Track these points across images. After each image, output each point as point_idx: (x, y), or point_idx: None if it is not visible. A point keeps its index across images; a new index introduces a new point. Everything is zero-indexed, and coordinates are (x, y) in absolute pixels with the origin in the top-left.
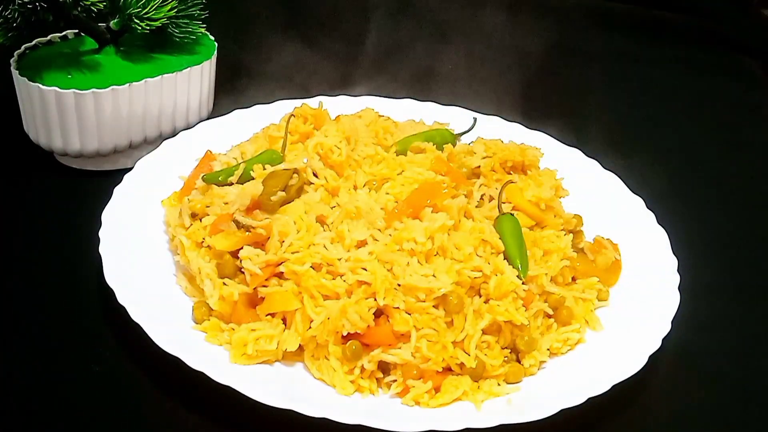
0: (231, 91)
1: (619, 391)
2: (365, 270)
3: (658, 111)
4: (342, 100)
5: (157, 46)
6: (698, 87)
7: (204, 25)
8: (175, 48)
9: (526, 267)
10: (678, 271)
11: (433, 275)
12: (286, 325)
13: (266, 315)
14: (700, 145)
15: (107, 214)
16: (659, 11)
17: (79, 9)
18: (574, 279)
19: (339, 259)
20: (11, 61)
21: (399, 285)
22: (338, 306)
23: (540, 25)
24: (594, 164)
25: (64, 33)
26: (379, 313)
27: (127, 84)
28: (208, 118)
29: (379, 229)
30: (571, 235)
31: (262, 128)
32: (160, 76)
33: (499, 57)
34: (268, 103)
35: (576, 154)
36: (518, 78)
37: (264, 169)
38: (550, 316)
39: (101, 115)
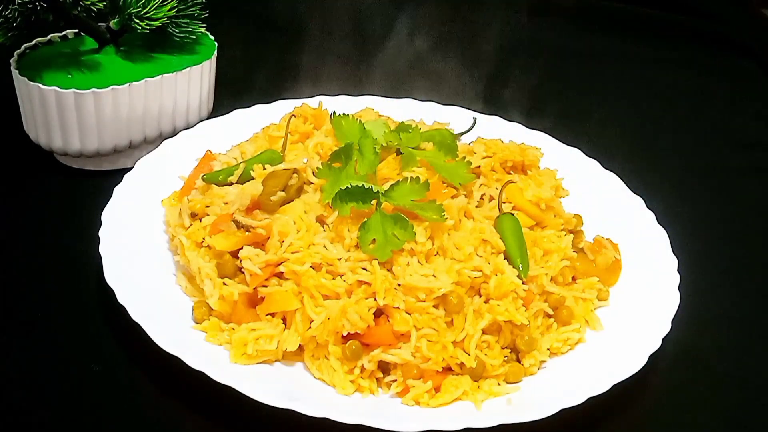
0: (231, 91)
1: (619, 391)
2: (365, 270)
3: (658, 111)
4: (342, 100)
5: (157, 46)
6: (698, 87)
7: (204, 25)
8: (175, 48)
9: (526, 267)
10: (678, 270)
11: (433, 275)
12: (286, 325)
13: (266, 315)
14: (700, 145)
15: (107, 214)
16: (659, 11)
17: (79, 9)
18: (574, 279)
19: (339, 259)
20: (11, 61)
21: (399, 285)
22: (338, 306)
23: (539, 25)
24: (594, 164)
25: (64, 33)
26: (379, 313)
27: (127, 84)
28: (208, 118)
29: None
30: (571, 235)
31: (262, 128)
32: (160, 76)
33: (499, 57)
34: (268, 103)
35: (576, 154)
36: (518, 78)
37: (264, 169)
38: (550, 316)
39: (101, 115)
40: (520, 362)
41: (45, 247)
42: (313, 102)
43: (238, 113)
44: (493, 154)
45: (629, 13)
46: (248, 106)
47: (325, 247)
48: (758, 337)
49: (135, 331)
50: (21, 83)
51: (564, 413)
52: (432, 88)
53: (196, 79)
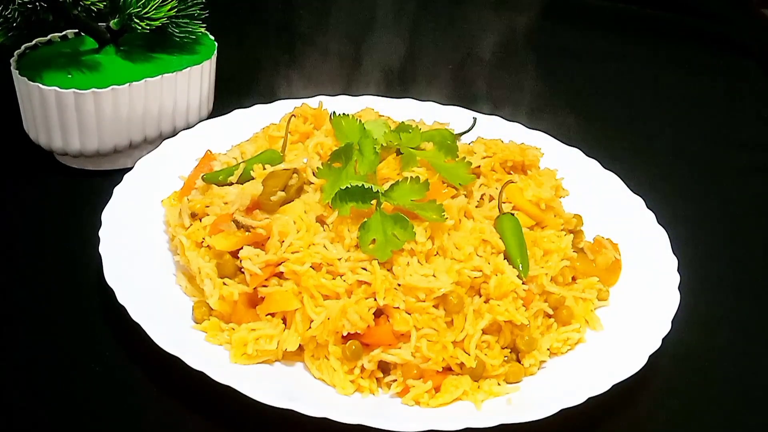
0: (231, 91)
1: (619, 391)
2: (365, 270)
3: (657, 111)
4: (342, 100)
5: (157, 46)
6: (698, 87)
7: (204, 25)
8: (175, 48)
9: (526, 267)
10: (678, 270)
11: (433, 275)
12: (286, 325)
13: (266, 315)
14: (700, 145)
15: (107, 214)
16: (659, 11)
17: (79, 9)
18: (574, 279)
19: (339, 259)
20: (11, 61)
21: (399, 285)
22: (338, 306)
23: (539, 24)
24: (594, 164)
25: (64, 33)
26: (379, 313)
27: (127, 84)
28: (208, 118)
29: None
30: (571, 235)
31: (262, 128)
32: (160, 76)
33: (499, 57)
34: (268, 103)
35: (576, 154)
36: (518, 78)
37: (264, 169)
38: (550, 316)
39: (101, 115)
40: (520, 362)
41: (45, 247)
42: (313, 102)
43: (238, 113)
44: (493, 154)
45: (629, 13)
46: (248, 106)
47: (325, 247)
48: (758, 337)
49: (135, 331)
50: (21, 83)
51: (564, 413)
52: (432, 88)
53: (196, 79)
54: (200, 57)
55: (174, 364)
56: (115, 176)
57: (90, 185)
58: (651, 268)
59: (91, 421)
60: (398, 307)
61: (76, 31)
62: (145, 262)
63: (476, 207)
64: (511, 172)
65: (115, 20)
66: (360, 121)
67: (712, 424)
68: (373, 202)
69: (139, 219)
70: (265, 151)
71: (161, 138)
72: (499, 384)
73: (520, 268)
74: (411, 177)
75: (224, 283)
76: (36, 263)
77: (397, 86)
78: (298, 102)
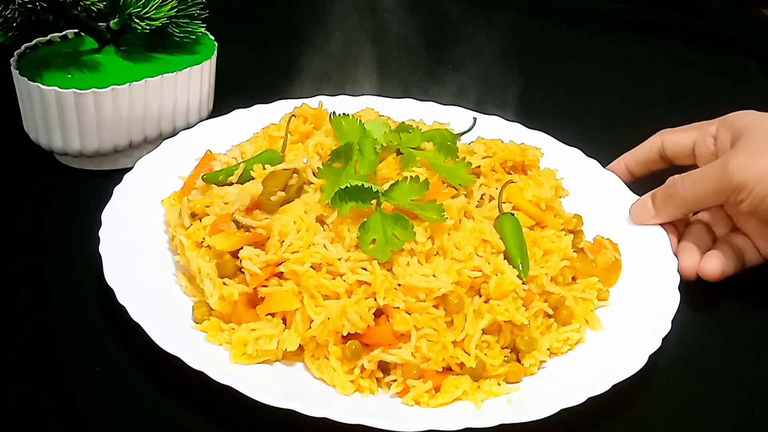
0: (231, 91)
1: (619, 391)
2: (365, 270)
3: (657, 111)
4: (342, 100)
5: (157, 46)
6: (698, 87)
7: (204, 25)
8: (175, 48)
9: (526, 267)
10: (678, 270)
11: (433, 275)
12: (286, 325)
13: (266, 315)
14: None
15: (107, 214)
16: (659, 11)
17: (79, 9)
18: (574, 279)
19: (339, 259)
20: (11, 60)
21: (399, 285)
22: (338, 306)
23: (539, 24)
24: (594, 164)
25: (64, 33)
26: (379, 313)
27: (127, 84)
28: (208, 118)
29: None
30: (571, 235)
31: (262, 128)
32: (160, 76)
33: (498, 56)
34: (268, 103)
35: (576, 154)
36: (518, 78)
37: (264, 168)
38: (550, 316)
39: (101, 115)
40: (520, 362)
41: (45, 247)
42: (313, 102)
43: (238, 113)
44: (493, 154)
45: (629, 13)
46: (248, 106)
47: (325, 247)
48: (758, 337)
49: (135, 331)
50: (21, 83)
51: (564, 413)
52: (432, 88)
53: (196, 79)
54: (200, 57)
55: (174, 364)
56: (115, 176)
57: (90, 185)
58: (651, 268)
59: (91, 421)
60: (398, 307)
61: (76, 31)
62: (145, 262)
63: (476, 207)
64: (511, 172)
65: (115, 20)
66: (360, 121)
67: (712, 424)
68: (373, 201)
69: (139, 219)
70: (265, 151)
71: (161, 138)
72: (499, 384)
73: (520, 268)
74: (411, 177)
75: (224, 283)
76: (36, 263)
77: (396, 86)
78: (298, 102)
